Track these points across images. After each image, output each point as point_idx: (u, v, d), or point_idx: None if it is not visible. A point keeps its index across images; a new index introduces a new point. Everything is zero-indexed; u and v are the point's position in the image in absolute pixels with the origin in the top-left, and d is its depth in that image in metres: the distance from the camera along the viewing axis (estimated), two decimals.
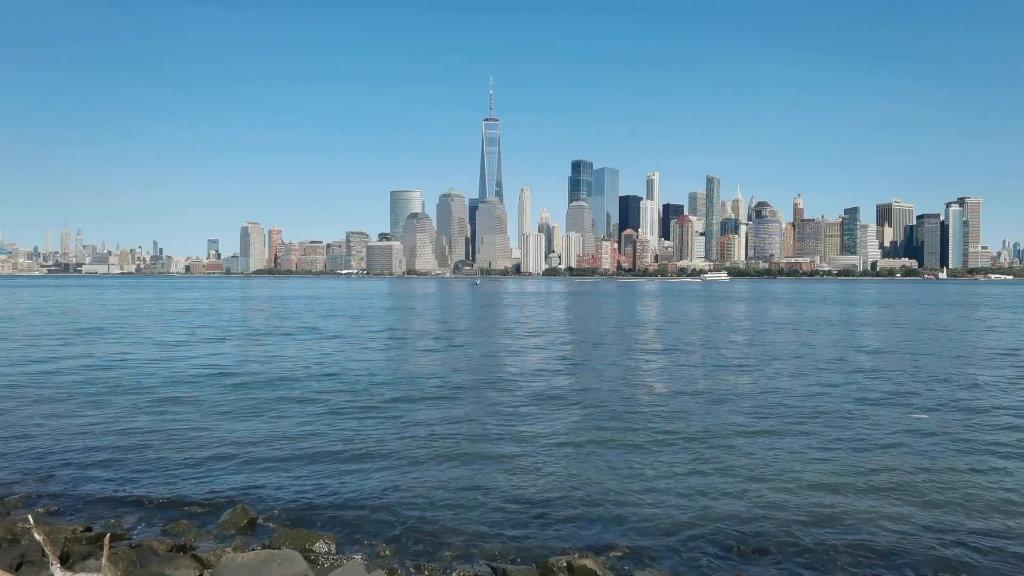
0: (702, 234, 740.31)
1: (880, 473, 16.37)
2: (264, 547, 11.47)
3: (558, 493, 15.00)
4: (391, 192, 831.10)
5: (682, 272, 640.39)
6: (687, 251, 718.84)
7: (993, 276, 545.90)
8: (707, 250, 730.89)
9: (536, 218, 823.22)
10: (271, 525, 13.09)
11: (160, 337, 50.59)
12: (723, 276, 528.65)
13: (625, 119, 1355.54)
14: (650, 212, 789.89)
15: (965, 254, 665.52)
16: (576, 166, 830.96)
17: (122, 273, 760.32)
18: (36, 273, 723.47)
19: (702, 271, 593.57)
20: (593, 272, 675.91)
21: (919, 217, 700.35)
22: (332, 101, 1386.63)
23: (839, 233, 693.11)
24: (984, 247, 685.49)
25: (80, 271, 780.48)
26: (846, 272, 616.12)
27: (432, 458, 17.56)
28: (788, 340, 50.03)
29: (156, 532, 12.70)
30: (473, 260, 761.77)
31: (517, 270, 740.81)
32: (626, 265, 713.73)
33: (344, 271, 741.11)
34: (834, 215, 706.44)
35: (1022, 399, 26.10)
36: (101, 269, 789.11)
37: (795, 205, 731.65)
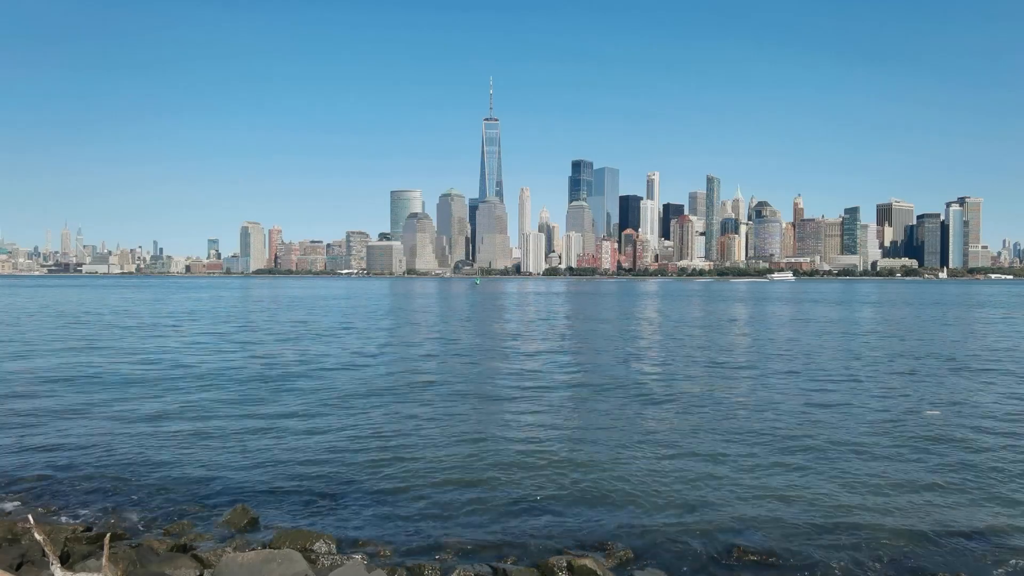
0: (702, 234, 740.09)
1: (886, 474, 16.35)
2: (264, 547, 11.48)
3: (559, 493, 15.00)
4: (391, 192, 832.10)
5: (682, 272, 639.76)
6: (687, 251, 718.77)
7: (994, 276, 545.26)
8: (707, 250, 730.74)
9: (536, 218, 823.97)
10: (271, 525, 13.08)
11: (161, 339, 50.59)
12: (789, 276, 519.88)
13: (625, 119, 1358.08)
14: (650, 212, 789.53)
15: (965, 254, 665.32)
16: (576, 166, 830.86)
17: (122, 273, 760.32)
18: (36, 273, 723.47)
19: (768, 271, 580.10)
20: (593, 272, 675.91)
21: (919, 217, 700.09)
22: (332, 101, 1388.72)
23: (839, 233, 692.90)
24: (984, 247, 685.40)
25: (80, 271, 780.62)
26: (846, 272, 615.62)
27: (432, 458, 17.56)
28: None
29: (156, 532, 12.69)
30: (473, 260, 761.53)
31: (517, 270, 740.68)
32: (626, 265, 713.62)
33: (344, 271, 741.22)
34: (834, 215, 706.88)
35: None
36: (101, 269, 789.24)
37: (795, 205, 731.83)
